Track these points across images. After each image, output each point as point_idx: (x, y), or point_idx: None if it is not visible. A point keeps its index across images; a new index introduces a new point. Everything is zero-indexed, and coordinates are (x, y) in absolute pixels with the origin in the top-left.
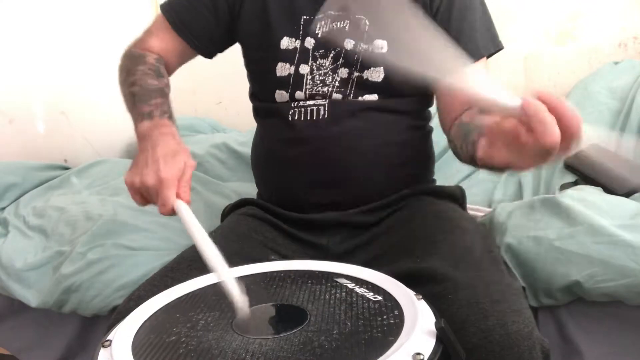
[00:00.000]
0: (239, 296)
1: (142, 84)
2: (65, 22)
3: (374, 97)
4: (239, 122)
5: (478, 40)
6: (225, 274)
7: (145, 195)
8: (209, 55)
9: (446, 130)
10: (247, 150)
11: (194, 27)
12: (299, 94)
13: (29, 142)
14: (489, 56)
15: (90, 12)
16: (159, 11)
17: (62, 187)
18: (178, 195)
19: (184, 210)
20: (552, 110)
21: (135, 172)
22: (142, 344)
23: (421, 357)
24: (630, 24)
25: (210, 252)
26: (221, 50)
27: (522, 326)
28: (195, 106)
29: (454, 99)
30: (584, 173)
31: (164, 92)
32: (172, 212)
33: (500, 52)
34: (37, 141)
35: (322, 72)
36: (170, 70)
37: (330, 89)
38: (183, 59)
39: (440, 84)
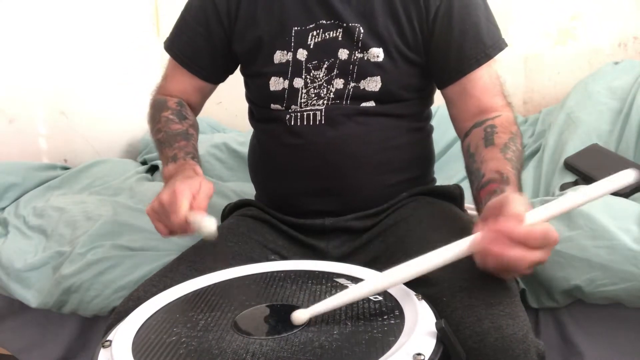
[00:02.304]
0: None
1: (166, 130)
2: (66, 22)
3: (370, 103)
4: (239, 122)
5: (485, 40)
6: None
7: (163, 217)
8: (220, 80)
9: (460, 136)
10: (246, 150)
11: (197, 58)
12: (294, 108)
13: (29, 142)
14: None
15: (90, 12)
16: (158, 12)
17: (62, 187)
18: (192, 208)
19: (198, 216)
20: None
21: (154, 198)
22: (142, 344)
23: (422, 357)
24: (630, 24)
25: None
26: (231, 72)
27: (516, 329)
28: None
29: (464, 107)
30: (584, 173)
31: (187, 134)
32: (185, 224)
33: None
34: (37, 141)
35: (316, 84)
36: (195, 109)
37: (325, 101)
38: (203, 94)
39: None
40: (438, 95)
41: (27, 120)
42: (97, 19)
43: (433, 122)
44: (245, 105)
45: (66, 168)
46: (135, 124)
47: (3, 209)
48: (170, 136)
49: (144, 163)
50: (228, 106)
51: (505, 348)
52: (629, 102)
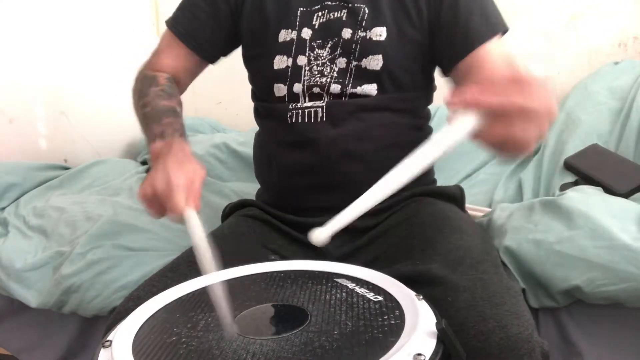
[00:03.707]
0: (227, 317)
1: (153, 105)
2: (65, 22)
3: (373, 87)
4: (239, 122)
5: (491, 18)
6: (218, 293)
7: (156, 204)
8: (213, 60)
9: None
10: (247, 150)
11: (198, 35)
12: (297, 87)
13: (29, 142)
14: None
15: (90, 12)
16: (158, 12)
17: (62, 187)
18: (188, 202)
19: (192, 218)
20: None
21: (147, 183)
22: (142, 344)
23: (422, 357)
24: (630, 24)
25: (208, 264)
26: (226, 54)
27: (522, 329)
28: (195, 106)
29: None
30: (584, 173)
31: (175, 112)
32: (181, 218)
33: None
34: (37, 141)
35: (319, 62)
36: (181, 87)
37: (328, 79)
38: (193, 73)
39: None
40: (438, 96)
41: (27, 120)
42: (97, 19)
43: (432, 123)
44: (245, 105)
45: (66, 168)
46: (135, 124)
47: (3, 209)
48: (158, 112)
49: (144, 163)
50: (228, 106)
51: (511, 347)
52: (629, 102)
